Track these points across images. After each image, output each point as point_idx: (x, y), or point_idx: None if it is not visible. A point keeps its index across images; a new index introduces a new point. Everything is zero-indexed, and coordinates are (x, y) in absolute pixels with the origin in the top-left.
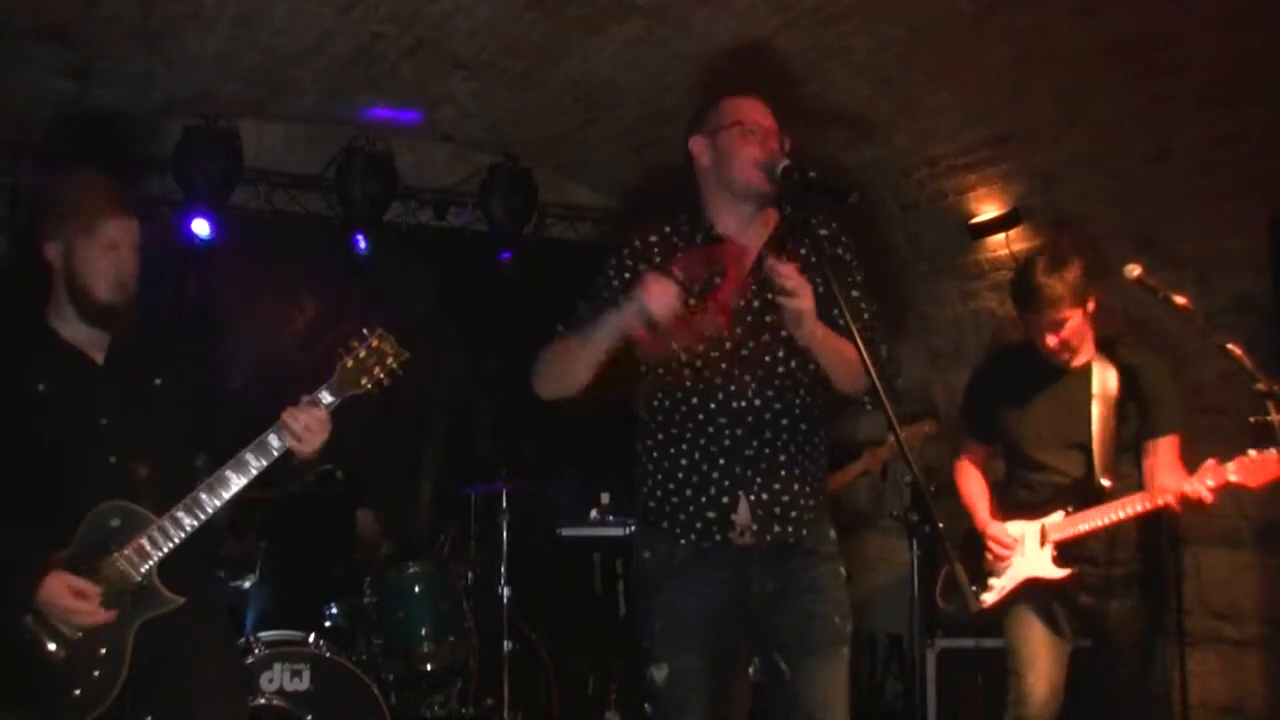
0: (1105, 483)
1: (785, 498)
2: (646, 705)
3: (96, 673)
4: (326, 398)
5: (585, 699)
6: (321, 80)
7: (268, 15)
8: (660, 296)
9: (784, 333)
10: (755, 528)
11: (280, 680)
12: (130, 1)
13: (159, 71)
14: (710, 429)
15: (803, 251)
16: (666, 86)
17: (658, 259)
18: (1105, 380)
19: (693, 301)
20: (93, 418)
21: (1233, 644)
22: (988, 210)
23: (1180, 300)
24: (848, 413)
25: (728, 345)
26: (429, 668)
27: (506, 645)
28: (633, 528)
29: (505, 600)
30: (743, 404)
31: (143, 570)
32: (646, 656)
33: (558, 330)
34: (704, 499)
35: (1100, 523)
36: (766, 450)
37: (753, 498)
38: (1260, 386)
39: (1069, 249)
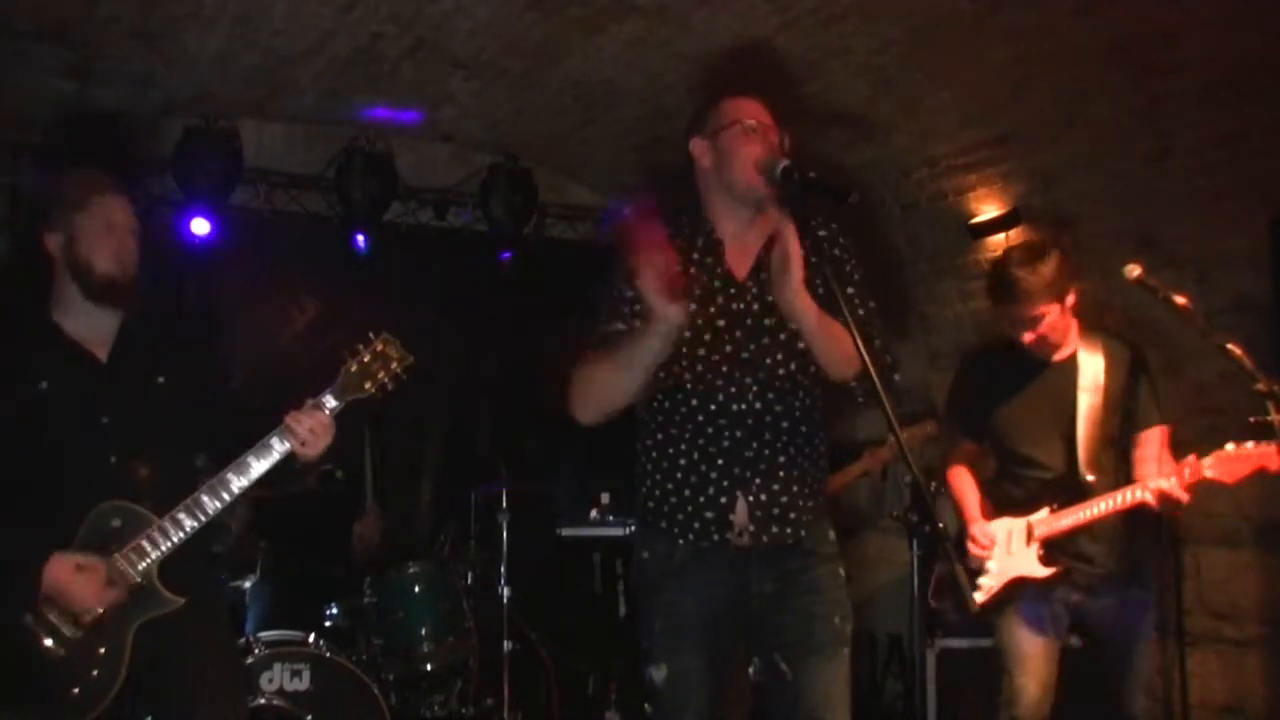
0: (1089, 478)
1: (784, 499)
2: (646, 705)
3: (95, 672)
4: (330, 401)
5: (585, 699)
6: (321, 80)
7: (268, 15)
8: (654, 283)
9: (784, 336)
10: (753, 528)
11: (280, 680)
12: (130, 1)
13: (159, 71)
14: (710, 430)
15: (803, 251)
16: (666, 86)
17: None
18: (1092, 372)
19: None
20: (94, 417)
21: (1233, 644)
22: (988, 210)
23: (1180, 300)
24: (846, 413)
25: (728, 348)
26: (429, 668)
27: (506, 645)
28: (633, 528)
29: (505, 600)
30: (743, 406)
31: (142, 570)
32: (646, 657)
33: (585, 354)
34: (702, 499)
35: (1082, 518)
36: (766, 451)
37: (751, 498)
38: (1260, 386)
39: (1047, 242)
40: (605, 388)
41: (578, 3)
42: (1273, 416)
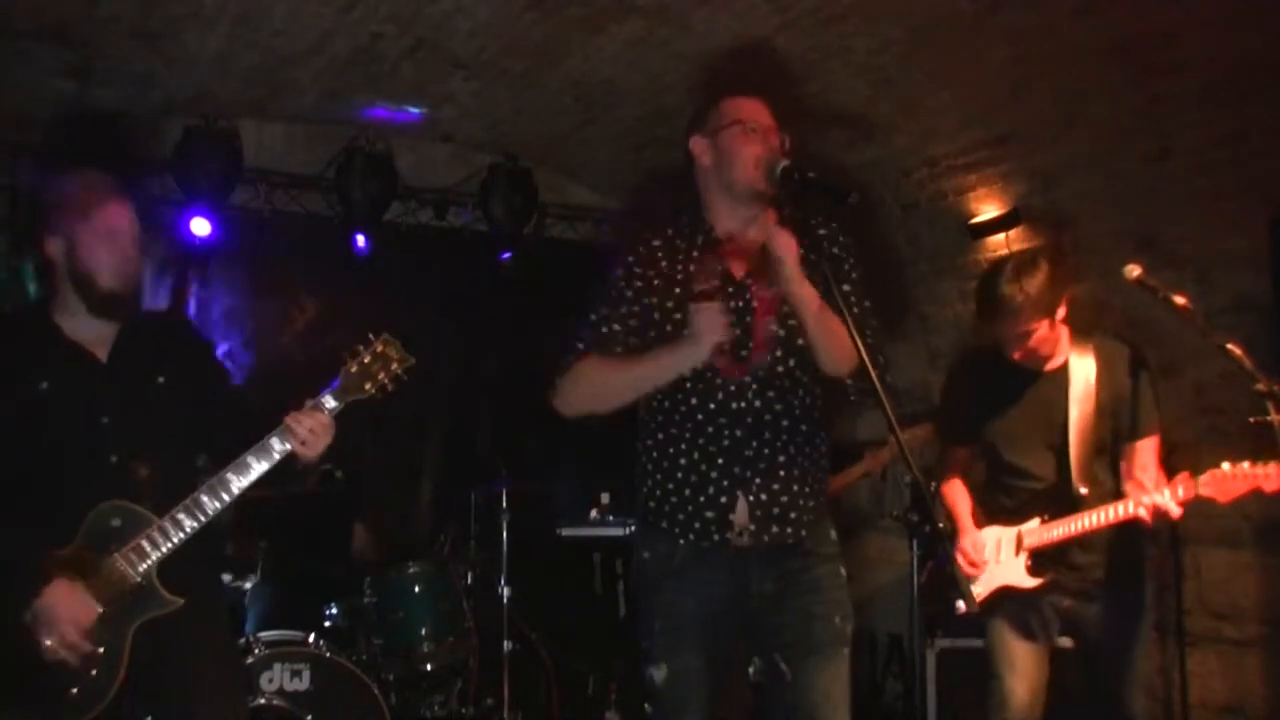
0: (1082, 490)
1: (784, 498)
2: (646, 705)
3: (94, 672)
4: (330, 402)
5: (585, 699)
6: (321, 80)
7: (268, 15)
8: (714, 323)
9: (783, 334)
10: (753, 528)
11: (280, 680)
12: (130, 1)
13: (159, 71)
14: (710, 429)
15: (802, 252)
16: (666, 86)
17: (664, 263)
18: (1084, 380)
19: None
20: (95, 417)
21: (1233, 644)
22: (988, 210)
23: (1180, 300)
24: (846, 413)
25: (727, 346)
26: (429, 668)
27: (506, 645)
28: (633, 528)
29: (505, 600)
30: (742, 405)
31: (141, 570)
32: (646, 657)
33: (578, 347)
34: (703, 499)
35: (1073, 530)
36: (766, 451)
37: (751, 498)
38: (1260, 386)
39: (1037, 254)
40: (604, 392)
41: (578, 3)
42: (1273, 416)
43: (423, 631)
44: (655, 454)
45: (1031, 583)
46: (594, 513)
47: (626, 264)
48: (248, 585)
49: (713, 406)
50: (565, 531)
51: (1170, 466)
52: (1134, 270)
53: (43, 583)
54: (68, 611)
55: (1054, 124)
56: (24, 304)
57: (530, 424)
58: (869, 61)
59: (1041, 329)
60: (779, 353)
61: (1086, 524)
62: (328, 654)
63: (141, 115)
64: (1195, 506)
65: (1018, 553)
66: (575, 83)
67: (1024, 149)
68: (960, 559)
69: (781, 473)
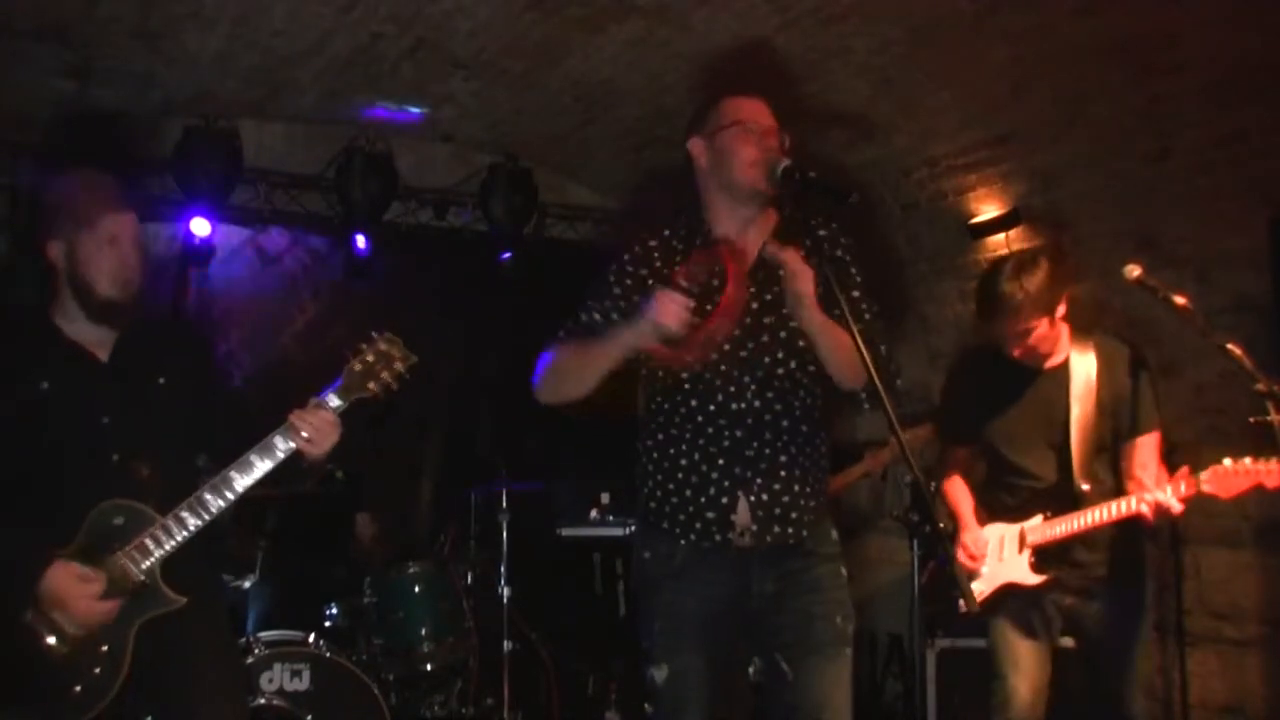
0: (1084, 487)
1: (785, 498)
2: (646, 705)
3: (97, 670)
4: (334, 401)
5: (585, 699)
6: (321, 80)
7: (268, 15)
8: (671, 311)
9: (783, 334)
10: (755, 528)
11: (280, 680)
12: (130, 1)
13: (159, 71)
14: (710, 430)
15: (803, 253)
16: (666, 86)
17: (659, 263)
18: (1084, 378)
19: (702, 311)
20: (95, 416)
21: (1233, 644)
22: (988, 210)
23: (1180, 300)
24: (846, 413)
25: (727, 346)
26: (429, 668)
27: (506, 645)
28: (633, 528)
29: (505, 600)
30: (743, 405)
31: (144, 568)
32: (646, 657)
33: (559, 335)
34: (704, 499)
35: (1076, 527)
36: (767, 451)
37: (752, 498)
38: (1260, 386)
39: (1037, 252)
40: (568, 376)
41: (578, 3)
42: (1273, 416)
43: (423, 631)
44: (656, 454)
45: (1035, 580)
46: (594, 513)
47: (620, 261)
48: (248, 585)
49: (713, 407)
50: (565, 531)
51: (1170, 466)
52: (1134, 270)
53: (42, 571)
54: (75, 588)
55: (1054, 124)
56: (24, 304)
57: (530, 424)
58: (869, 61)
59: (1041, 327)
60: (779, 353)
61: (1089, 521)
62: (328, 654)
63: (141, 115)
64: (1195, 506)
65: (1021, 550)
66: (575, 83)
67: (1024, 149)
68: (961, 554)
69: (782, 473)
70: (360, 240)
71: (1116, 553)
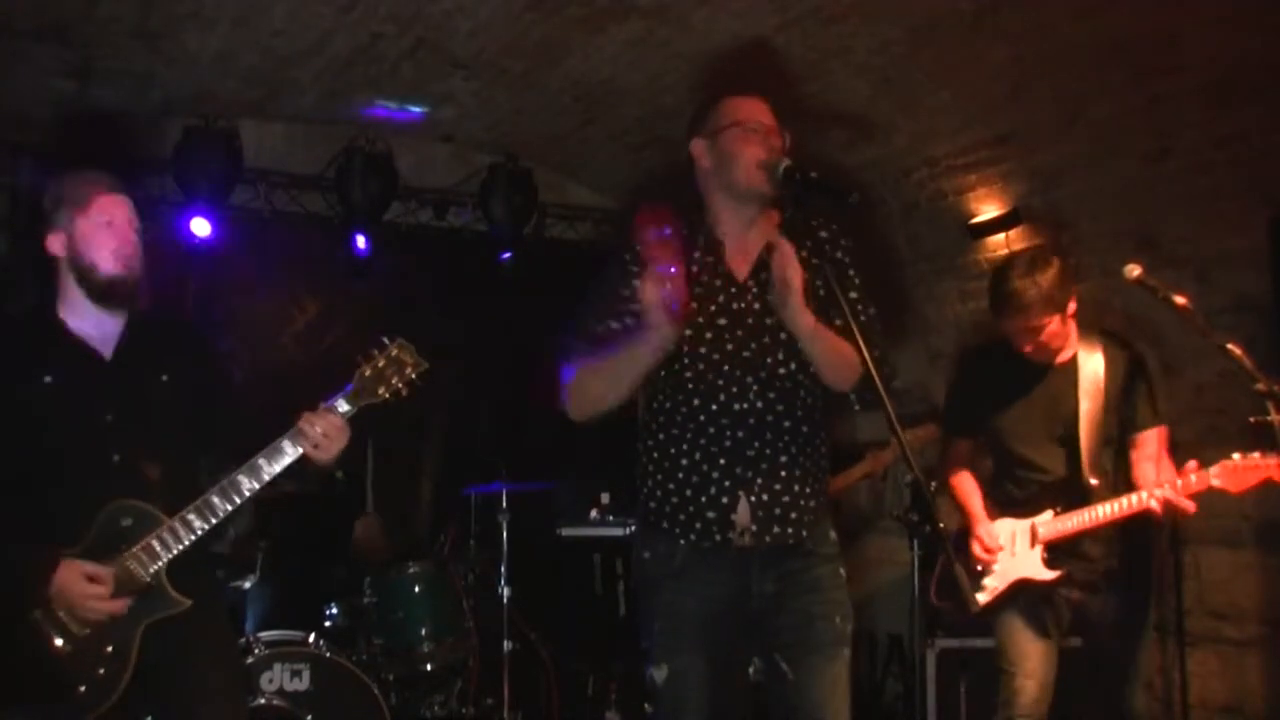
0: (1093, 482)
1: (786, 499)
2: (646, 705)
3: (102, 670)
4: (343, 406)
5: (585, 699)
6: (321, 80)
7: (268, 15)
8: (656, 294)
9: (784, 334)
10: (755, 528)
11: (280, 680)
12: (130, 1)
13: (159, 71)
14: (711, 430)
15: (803, 253)
16: (666, 86)
17: None
18: (1092, 374)
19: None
20: (97, 414)
21: (1233, 644)
22: (988, 210)
23: (1180, 300)
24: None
25: (729, 347)
26: (429, 668)
27: (506, 645)
28: (633, 528)
29: (505, 600)
30: (744, 406)
31: (152, 570)
32: (646, 657)
33: (576, 350)
34: (704, 499)
35: (1087, 521)
36: (768, 451)
37: (753, 498)
38: (1260, 386)
39: (1048, 250)
40: (596, 394)
41: (578, 3)
42: (1273, 416)
43: (423, 631)
44: (656, 454)
45: (1049, 575)
46: (594, 513)
47: (623, 263)
48: (248, 585)
49: (715, 408)
50: (565, 531)
51: (1173, 464)
52: (1134, 270)
53: (47, 579)
54: (84, 588)
55: (1054, 124)
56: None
57: (530, 424)
58: (869, 61)
59: (1053, 324)
60: (780, 354)
61: (1099, 515)
62: (328, 654)
63: (141, 115)
64: (1196, 505)
65: (1033, 545)
66: (575, 83)
67: (1024, 149)
68: (976, 547)
69: (783, 473)
70: (360, 240)
71: (1124, 548)
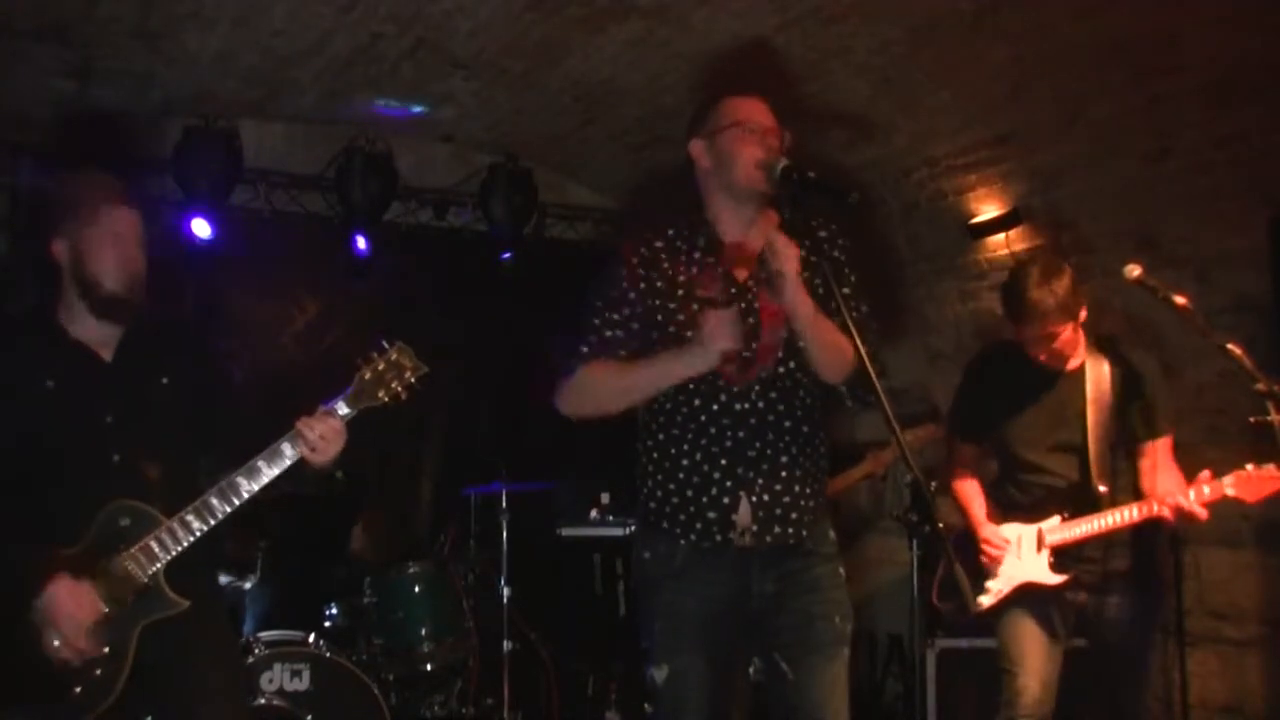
0: (1101, 488)
1: (786, 499)
2: (647, 705)
3: (99, 671)
4: (343, 409)
5: (585, 699)
6: (321, 80)
7: (268, 15)
8: (725, 332)
9: (785, 335)
10: (756, 528)
11: (280, 680)
12: (130, 1)
13: (159, 71)
14: (712, 430)
15: (803, 252)
16: (666, 86)
17: (666, 265)
18: (1099, 381)
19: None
20: (98, 415)
21: (1233, 644)
22: (988, 210)
23: (1180, 300)
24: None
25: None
26: (429, 668)
27: (506, 645)
28: (633, 528)
29: (505, 600)
30: (746, 406)
31: (150, 572)
32: (647, 657)
33: (582, 351)
34: (705, 499)
35: (1096, 529)
36: (768, 451)
37: (754, 498)
38: (1260, 386)
39: (1059, 258)
40: (610, 397)
41: (578, 3)
42: (1273, 416)
43: (423, 631)
44: (657, 455)
45: (1056, 580)
46: (594, 513)
47: (629, 264)
48: (248, 585)
49: (716, 408)
50: (565, 531)
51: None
52: (1134, 270)
53: (45, 581)
54: (68, 609)
55: (1054, 124)
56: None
57: (530, 424)
58: (869, 61)
59: (1066, 331)
60: (780, 354)
61: (1109, 523)
62: (328, 654)
63: (141, 115)
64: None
65: (1039, 550)
66: (575, 83)
67: (1024, 149)
68: (986, 548)
69: (784, 473)
70: (360, 240)
71: (1132, 554)
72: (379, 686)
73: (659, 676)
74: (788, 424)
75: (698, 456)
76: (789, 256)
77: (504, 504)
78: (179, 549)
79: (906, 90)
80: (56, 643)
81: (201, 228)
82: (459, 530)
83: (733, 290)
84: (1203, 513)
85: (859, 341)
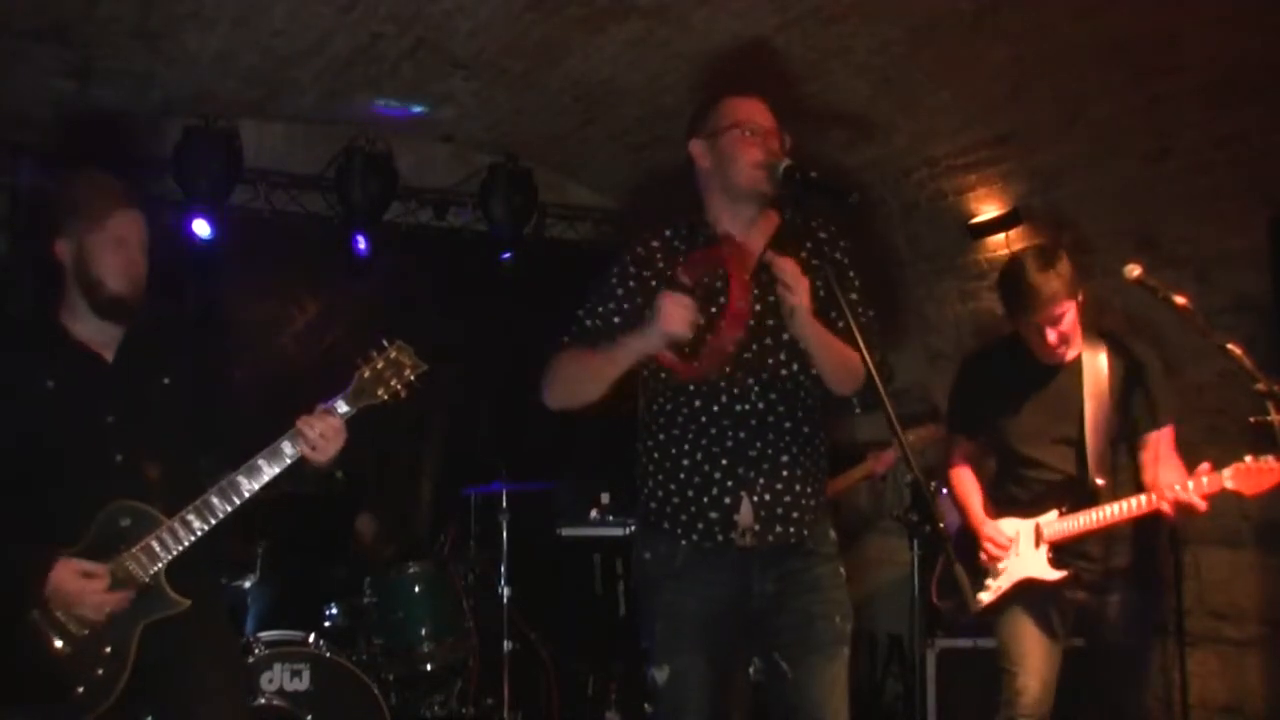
0: (1099, 481)
1: (787, 498)
2: (647, 705)
3: (100, 671)
4: (342, 407)
5: (585, 699)
6: (321, 80)
7: (268, 15)
8: (676, 315)
9: (786, 335)
10: (757, 528)
11: (280, 680)
12: (130, 1)
13: (159, 71)
14: (713, 430)
15: (803, 254)
16: (666, 86)
17: (661, 264)
18: (1097, 374)
19: (708, 315)
20: (99, 416)
21: (1233, 644)
22: (988, 210)
23: (1180, 300)
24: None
25: (730, 348)
26: (429, 668)
27: (506, 645)
28: (633, 528)
29: (505, 600)
30: (746, 406)
31: (151, 571)
32: (647, 657)
33: (563, 341)
34: (706, 500)
35: (1094, 522)
36: (769, 451)
37: (755, 499)
38: (1260, 386)
39: (1053, 244)
40: (575, 383)
41: (578, 3)
42: (1273, 416)
43: (423, 631)
44: (657, 455)
45: (1055, 575)
46: (594, 513)
47: (622, 262)
48: (248, 585)
49: (716, 408)
50: (565, 531)
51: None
52: (1134, 270)
53: (47, 570)
54: (80, 584)
55: (1054, 124)
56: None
57: (530, 424)
58: (869, 61)
59: (1071, 312)
60: (782, 355)
61: (1107, 516)
62: (328, 654)
63: (141, 115)
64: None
65: (1038, 545)
66: (575, 83)
67: (1024, 149)
68: (988, 546)
69: (785, 473)
70: (360, 240)
71: (1132, 549)
72: (379, 686)
73: (660, 677)
74: (788, 424)
75: (698, 457)
76: (800, 290)
77: (504, 504)
78: (180, 549)
79: (906, 90)
80: (57, 641)
81: (201, 228)
82: (459, 530)
83: (705, 280)
84: (1201, 504)
85: (864, 350)
